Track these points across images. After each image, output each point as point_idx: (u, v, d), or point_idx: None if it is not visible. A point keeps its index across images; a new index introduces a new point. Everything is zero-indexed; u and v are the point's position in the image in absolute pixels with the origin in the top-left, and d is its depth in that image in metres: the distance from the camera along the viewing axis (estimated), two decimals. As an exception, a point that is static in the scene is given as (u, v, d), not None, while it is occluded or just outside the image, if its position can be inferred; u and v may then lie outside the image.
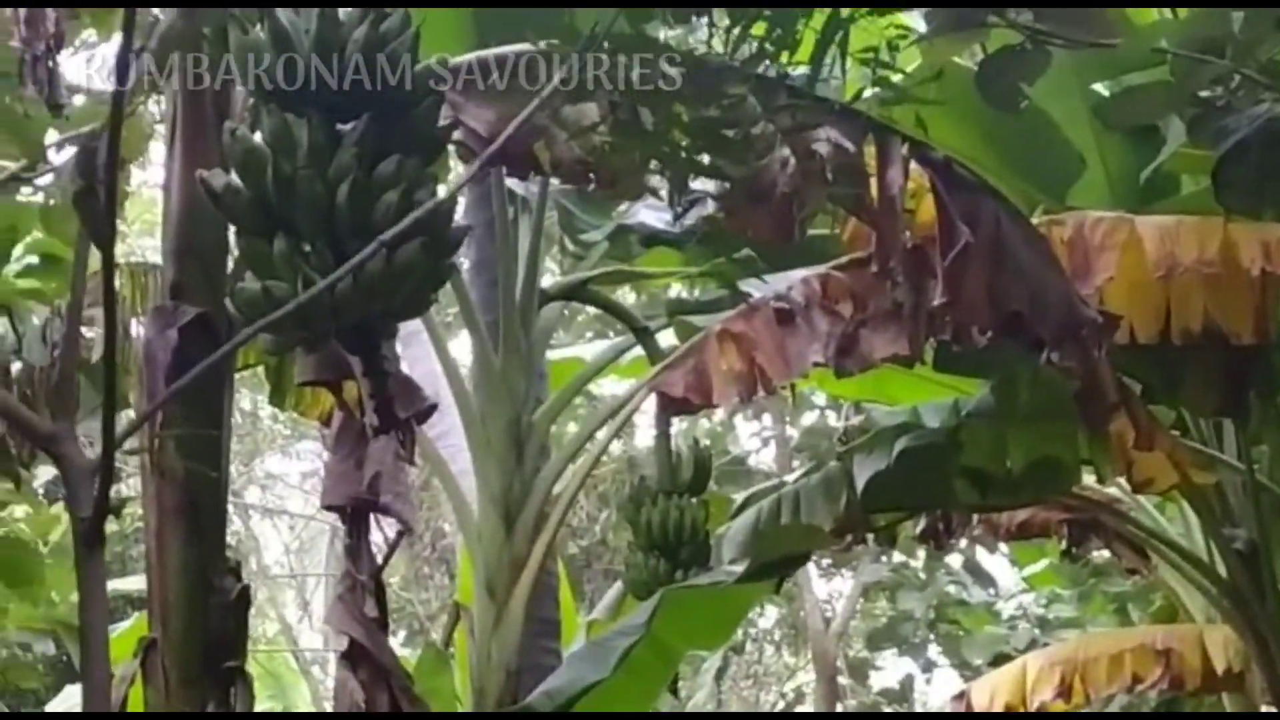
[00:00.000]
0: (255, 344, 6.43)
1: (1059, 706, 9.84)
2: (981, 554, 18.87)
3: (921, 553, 19.13)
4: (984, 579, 18.88)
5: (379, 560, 4.53)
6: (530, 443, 7.19)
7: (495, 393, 7.20)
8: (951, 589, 18.96)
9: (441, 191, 4.05)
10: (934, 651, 19.71)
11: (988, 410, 7.93)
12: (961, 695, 10.44)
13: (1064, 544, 9.59)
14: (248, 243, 3.97)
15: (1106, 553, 17.38)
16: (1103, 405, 7.04)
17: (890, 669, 21.79)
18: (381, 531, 4.77)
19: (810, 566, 21.76)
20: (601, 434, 7.27)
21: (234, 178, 3.95)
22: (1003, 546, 18.18)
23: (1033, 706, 9.78)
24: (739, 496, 8.77)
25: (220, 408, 4.50)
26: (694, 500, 7.11)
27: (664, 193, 5.07)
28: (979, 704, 10.07)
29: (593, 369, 7.84)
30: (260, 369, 8.08)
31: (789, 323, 6.93)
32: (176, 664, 4.30)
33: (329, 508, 4.58)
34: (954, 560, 19.25)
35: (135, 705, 4.48)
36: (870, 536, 8.97)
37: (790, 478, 8.57)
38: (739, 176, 4.63)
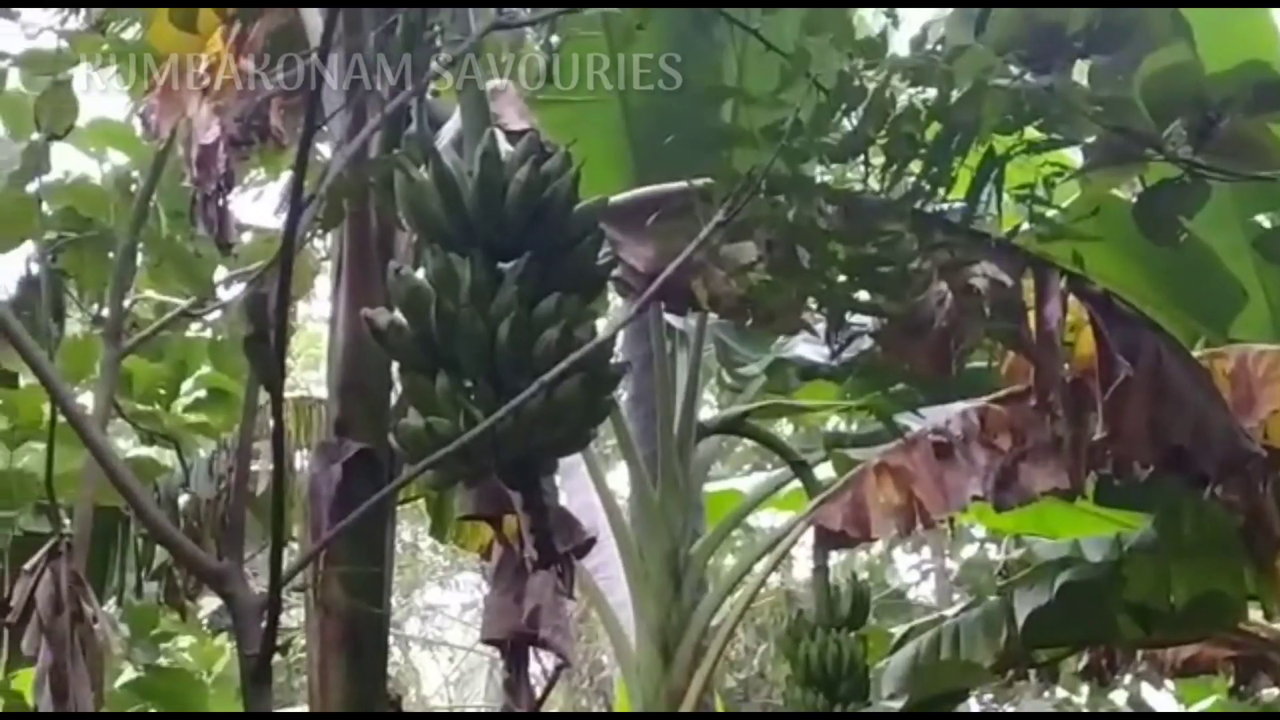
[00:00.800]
0: (417, 479, 6.54)
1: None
2: (1147, 690, 18.51)
3: (1085, 689, 18.81)
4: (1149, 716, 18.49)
5: (537, 694, 4.55)
6: (688, 575, 7.21)
7: (653, 525, 7.24)
8: None
9: (601, 328, 4.10)
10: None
11: (1150, 544, 7.84)
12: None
13: (1231, 681, 9.37)
14: (411, 379, 4.03)
15: (1278, 690, 17.20)
16: (1269, 540, 6.93)
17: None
18: (540, 664, 4.80)
19: (971, 702, 21.53)
20: (759, 567, 7.27)
21: (398, 315, 4.02)
22: (1169, 683, 17.89)
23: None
24: (898, 630, 8.72)
25: (382, 543, 4.56)
26: (852, 635, 7.09)
27: (821, 328, 5.09)
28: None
29: (751, 502, 7.85)
30: (421, 502, 8.18)
31: (947, 456, 6.91)
32: (339, 795, 4.35)
33: (489, 641, 4.58)
34: (1118, 697, 18.88)
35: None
36: (1032, 672, 8.86)
37: (950, 612, 8.49)
38: (896, 312, 4.64)
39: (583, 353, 3.66)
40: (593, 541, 4.65)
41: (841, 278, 4.17)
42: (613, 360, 4.09)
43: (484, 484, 4.22)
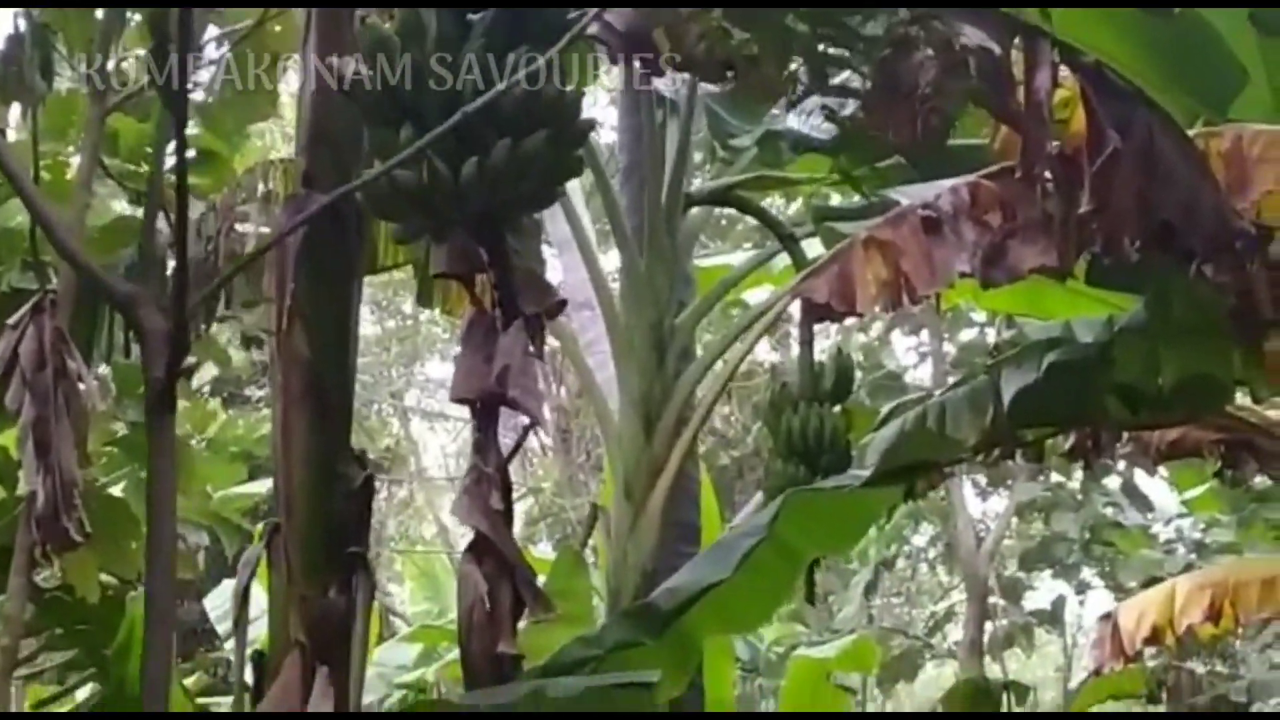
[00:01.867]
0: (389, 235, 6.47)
1: (1208, 629, 9.72)
2: (1140, 477, 18.64)
3: (1078, 474, 18.94)
4: (1141, 502, 18.64)
5: (505, 453, 4.55)
6: (673, 347, 7.18)
7: (639, 296, 7.19)
8: (1108, 511, 18.76)
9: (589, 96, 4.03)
10: (1088, 574, 19.52)
11: (1140, 326, 7.79)
12: (1109, 616, 10.33)
13: (1218, 466, 9.38)
14: (376, 132, 3.98)
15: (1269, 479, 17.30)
16: (1257, 321, 6.88)
17: (1043, 591, 21.59)
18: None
19: (965, 486, 21.68)
20: (746, 340, 7.22)
21: (364, 66, 3.95)
22: (1162, 470, 17.98)
23: (1180, 628, 9.66)
24: (886, 409, 8.71)
25: (349, 297, 4.52)
26: (836, 409, 7.08)
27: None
28: (1126, 625, 9.96)
29: (738, 274, 7.78)
30: (411, 269, 8.13)
31: (936, 231, 6.81)
32: (299, 550, 4.35)
33: (458, 400, 4.58)
34: (1111, 482, 19.03)
35: (261, 590, 4.55)
36: (1018, 454, 8.87)
37: (938, 391, 8.47)
38: (876, 74, 4.55)
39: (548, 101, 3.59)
40: (563, 304, 4.63)
41: (803, 27, 4.07)
42: (581, 117, 4.02)
43: (452, 240, 4.18)
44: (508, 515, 4.50)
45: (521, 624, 4.48)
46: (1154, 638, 9.81)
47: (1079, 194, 6.44)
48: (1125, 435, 8.78)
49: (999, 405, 7.89)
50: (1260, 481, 17.11)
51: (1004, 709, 17.49)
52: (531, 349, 4.41)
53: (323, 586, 4.30)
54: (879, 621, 22.39)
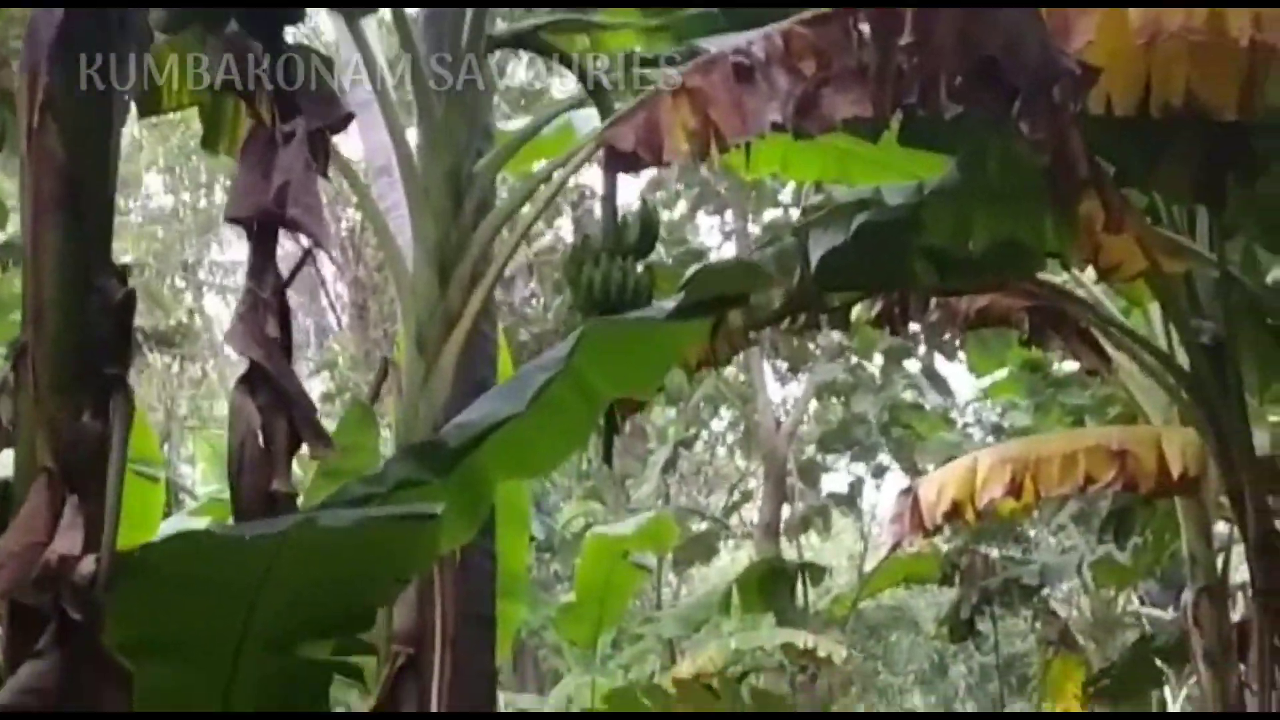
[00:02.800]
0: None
1: (1009, 504, 9.63)
2: (939, 362, 18.70)
3: (879, 357, 18.96)
4: (941, 386, 18.69)
5: (283, 277, 4.21)
6: (470, 195, 6.82)
7: (435, 140, 6.82)
8: (908, 395, 18.78)
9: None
10: (885, 458, 19.56)
11: (952, 188, 7.61)
12: (909, 491, 10.21)
13: (1024, 335, 9.25)
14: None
15: (1067, 365, 17.40)
16: (1073, 181, 6.72)
17: (841, 475, 21.69)
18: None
19: (766, 369, 21.62)
20: (545, 192, 6.88)
21: None
22: (960, 355, 18.03)
23: (981, 503, 9.56)
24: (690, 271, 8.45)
25: (111, 98, 4.13)
26: (639, 266, 6.80)
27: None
28: (926, 499, 9.85)
29: (540, 122, 7.43)
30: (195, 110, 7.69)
31: (748, 80, 6.52)
32: (49, 368, 3.96)
33: (232, 220, 4.22)
34: (912, 366, 19.06)
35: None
36: (824, 322, 8.67)
37: (744, 255, 8.23)
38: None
39: None
40: (350, 117, 4.28)
41: None
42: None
43: (224, 34, 3.81)
44: (285, 345, 4.17)
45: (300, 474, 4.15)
46: (954, 512, 9.70)
47: (896, 42, 6.23)
48: (933, 302, 8.61)
49: (806, 267, 7.67)
50: (1058, 370, 17.34)
51: (799, 588, 17.55)
52: (314, 166, 4.05)
53: (75, 409, 3.92)
54: (676, 503, 22.30)
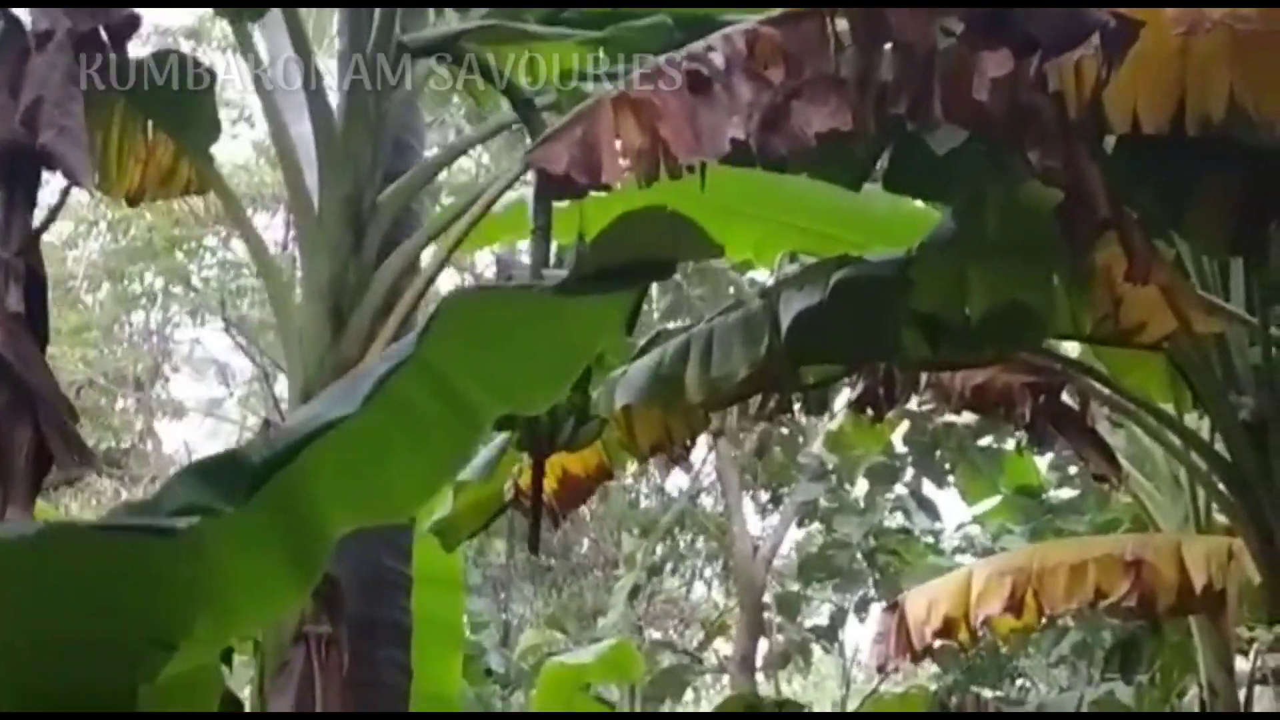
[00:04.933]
0: None
1: (1008, 622, 8.44)
2: (928, 487, 17.58)
3: (863, 481, 17.83)
4: (930, 510, 17.54)
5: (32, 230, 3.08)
6: (373, 226, 5.73)
7: (333, 161, 5.74)
8: (894, 520, 17.66)
9: None
10: (870, 590, 18.33)
11: (945, 242, 6.53)
12: (894, 606, 9.03)
13: (1024, 426, 8.07)
14: None
15: (1063, 492, 16.28)
16: (1089, 221, 5.65)
17: (823, 608, 20.44)
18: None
19: (746, 502, 20.47)
20: (461, 226, 5.76)
21: None
22: (950, 480, 16.92)
23: (977, 620, 8.39)
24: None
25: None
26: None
27: None
28: (914, 614, 8.67)
29: (462, 145, 6.34)
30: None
31: (704, 90, 5.43)
32: None
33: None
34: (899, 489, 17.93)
35: None
36: (796, 404, 7.55)
37: (706, 318, 7.12)
38: None
39: None
40: (135, 22, 3.16)
41: None
42: None
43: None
44: (36, 324, 3.01)
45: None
46: (946, 631, 8.52)
47: (878, 48, 5.22)
48: (924, 379, 7.48)
49: (776, 335, 6.57)
50: (1054, 495, 16.22)
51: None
52: (78, 78, 2.94)
53: None
54: (645, 636, 20.97)
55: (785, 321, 6.49)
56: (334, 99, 5.90)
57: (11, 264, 3.02)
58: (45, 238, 3.40)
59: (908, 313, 6.54)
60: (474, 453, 4.13)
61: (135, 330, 22.28)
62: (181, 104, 5.57)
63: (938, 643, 8.67)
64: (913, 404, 11.11)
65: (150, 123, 6.01)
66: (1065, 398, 8.19)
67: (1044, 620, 8.58)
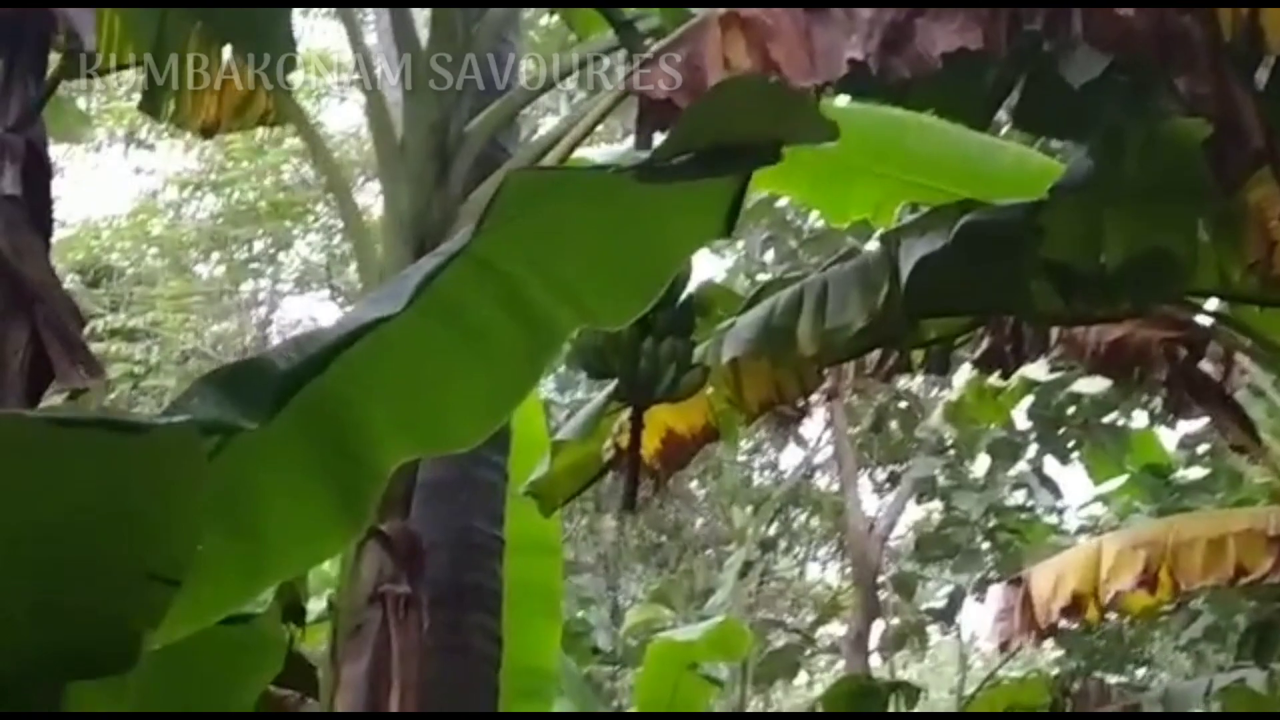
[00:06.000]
0: None
1: (1141, 598, 7.93)
2: (1051, 465, 16.98)
3: (983, 458, 17.27)
4: (1052, 489, 16.95)
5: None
6: (460, 157, 5.30)
7: (418, 86, 5.32)
8: (1017, 498, 17.08)
9: None
10: (989, 566, 17.73)
11: (1080, 183, 6.01)
12: (1018, 581, 8.53)
13: (1161, 389, 7.52)
14: None
15: (1193, 471, 15.66)
16: (1242, 156, 5.15)
17: (941, 590, 19.86)
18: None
19: (863, 480, 19.96)
20: (553, 158, 5.32)
21: None
22: (1075, 457, 16.32)
23: (1106, 597, 7.88)
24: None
25: None
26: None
27: None
28: (1039, 591, 8.17)
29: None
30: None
31: (820, 7, 4.99)
32: None
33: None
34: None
35: None
36: (918, 362, 7.06)
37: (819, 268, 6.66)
38: None
39: None
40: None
41: None
42: None
43: None
44: (37, 210, 2.60)
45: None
46: (1074, 607, 8.02)
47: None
48: (1054, 333, 6.96)
49: (894, 282, 6.10)
50: (1181, 475, 15.60)
51: (890, 710, 15.76)
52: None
53: None
54: (759, 615, 20.47)
55: (905, 270, 6.03)
56: (420, 21, 5.51)
57: (8, 141, 2.61)
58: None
59: (1038, 262, 6.04)
60: (544, 371, 3.65)
61: (243, 299, 22.02)
62: (259, 29, 5.18)
63: (1064, 621, 8.16)
64: (1039, 371, 10.64)
65: (226, 49, 5.66)
66: (1206, 363, 7.67)
67: (1179, 598, 8.05)
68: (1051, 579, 8.14)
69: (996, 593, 9.17)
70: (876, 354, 7.02)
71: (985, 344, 6.85)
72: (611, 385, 5.47)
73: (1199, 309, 6.92)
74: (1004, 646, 8.66)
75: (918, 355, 7.05)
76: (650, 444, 6.89)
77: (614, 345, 5.14)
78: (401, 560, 4.98)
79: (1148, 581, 7.75)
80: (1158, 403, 13.13)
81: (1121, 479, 15.66)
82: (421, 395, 3.19)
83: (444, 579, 6.20)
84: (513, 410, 3.65)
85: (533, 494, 7.22)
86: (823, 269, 6.49)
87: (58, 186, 3.31)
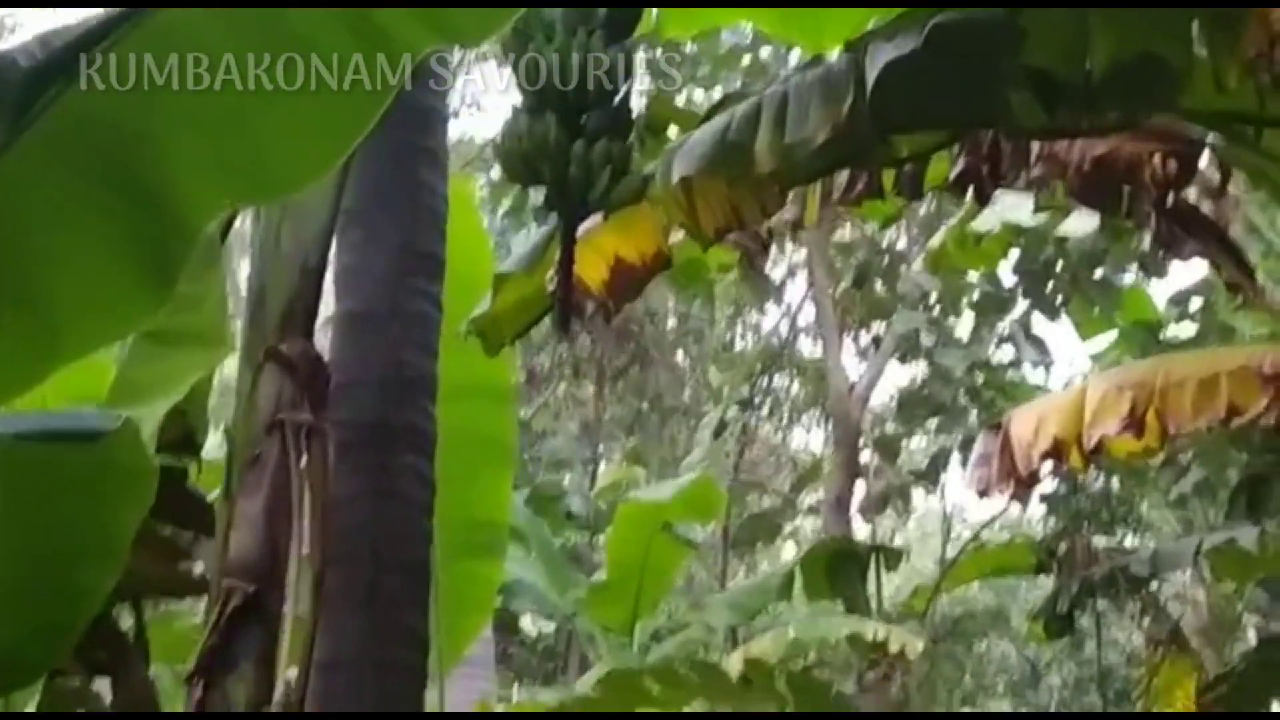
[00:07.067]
0: None
1: (1126, 442, 7.44)
2: (1038, 323, 16.51)
3: (968, 316, 16.80)
4: (1040, 348, 16.48)
5: None
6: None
7: None
8: (1003, 355, 16.62)
9: None
10: (973, 423, 17.26)
11: (1063, -21, 5.47)
12: (998, 427, 8.05)
13: (1149, 217, 6.97)
14: None
15: (1184, 328, 15.20)
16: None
17: (923, 448, 19.44)
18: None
19: (847, 345, 19.45)
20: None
21: None
22: (1064, 316, 15.85)
23: (1091, 441, 7.40)
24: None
25: None
26: (617, 51, 4.76)
27: None
28: (1019, 437, 7.70)
29: None
30: None
31: None
32: None
33: None
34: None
35: None
36: (888, 183, 6.52)
37: (781, 77, 6.10)
38: None
39: None
40: None
41: None
42: None
43: None
44: None
45: None
46: (1055, 452, 7.54)
47: None
48: (1035, 149, 6.42)
49: (860, 91, 5.55)
50: (1174, 334, 15.14)
51: (870, 572, 15.38)
52: None
53: None
54: (738, 469, 19.94)
55: (871, 76, 5.47)
56: None
57: None
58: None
59: (1016, 68, 5.49)
60: (386, 101, 3.06)
61: None
62: None
63: (1045, 466, 7.69)
64: (1023, 214, 10.11)
65: None
66: (1198, 198, 7.16)
67: (1167, 442, 7.57)
68: (1032, 424, 7.67)
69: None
70: (845, 179, 6.50)
71: (960, 164, 6.32)
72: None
73: (1194, 114, 6.35)
74: (983, 494, 8.17)
75: (889, 179, 6.53)
76: (597, 273, 6.38)
77: (541, 149, 4.65)
78: (303, 385, 4.52)
79: (1134, 425, 7.28)
80: (1147, 251, 12.67)
81: (1110, 336, 15.25)
82: (237, 128, 2.65)
83: (370, 417, 5.74)
84: (349, 147, 3.09)
85: (474, 333, 6.72)
86: (784, 81, 5.93)
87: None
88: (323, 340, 5.88)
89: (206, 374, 4.67)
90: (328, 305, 5.96)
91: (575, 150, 4.59)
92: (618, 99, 4.67)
